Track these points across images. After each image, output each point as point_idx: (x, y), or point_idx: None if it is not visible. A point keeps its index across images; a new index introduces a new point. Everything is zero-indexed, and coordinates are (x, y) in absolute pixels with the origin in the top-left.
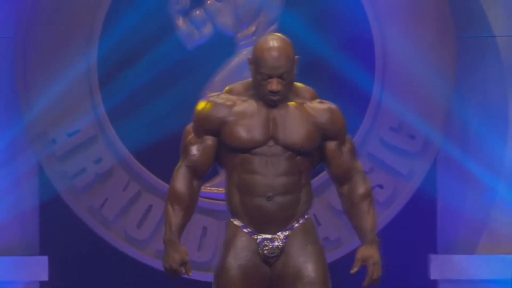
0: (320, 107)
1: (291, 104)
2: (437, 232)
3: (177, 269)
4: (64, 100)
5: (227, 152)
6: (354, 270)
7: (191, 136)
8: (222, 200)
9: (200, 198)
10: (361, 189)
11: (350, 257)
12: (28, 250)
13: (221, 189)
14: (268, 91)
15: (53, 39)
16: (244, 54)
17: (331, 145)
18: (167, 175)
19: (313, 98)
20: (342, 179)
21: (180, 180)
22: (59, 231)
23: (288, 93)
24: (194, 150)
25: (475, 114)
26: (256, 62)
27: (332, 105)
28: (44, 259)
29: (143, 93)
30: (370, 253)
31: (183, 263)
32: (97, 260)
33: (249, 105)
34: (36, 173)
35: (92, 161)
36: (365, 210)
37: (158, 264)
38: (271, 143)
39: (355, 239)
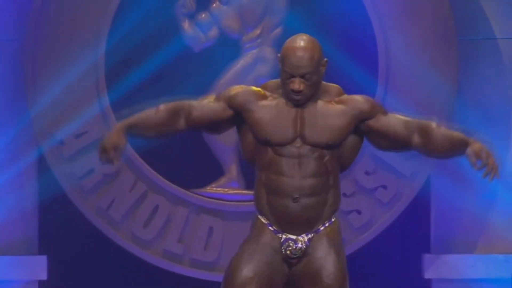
0: (348, 98)
1: (320, 102)
2: (431, 231)
3: (108, 149)
4: (71, 102)
5: (257, 148)
6: (476, 166)
7: (211, 95)
8: (228, 201)
9: (206, 199)
10: (431, 125)
11: (354, 257)
12: (27, 250)
13: (226, 189)
14: (290, 89)
15: (61, 39)
16: (249, 57)
17: (374, 121)
18: (173, 176)
19: (339, 95)
20: (408, 137)
21: (171, 105)
22: (58, 231)
23: (313, 94)
24: (203, 102)
25: (475, 115)
26: (282, 60)
27: (359, 95)
28: (43, 258)
29: (150, 94)
30: (478, 146)
31: (116, 148)
32: (102, 259)
33: (278, 102)
34: (36, 174)
35: (99, 162)
36: (447, 130)
37: (164, 264)
38: (298, 143)
39: (358, 239)
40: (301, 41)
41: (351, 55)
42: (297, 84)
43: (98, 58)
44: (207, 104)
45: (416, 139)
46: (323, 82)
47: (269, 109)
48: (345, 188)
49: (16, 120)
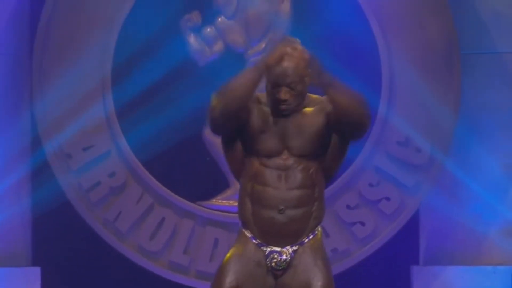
0: (323, 100)
1: (304, 113)
2: (419, 244)
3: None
4: (79, 116)
5: (245, 161)
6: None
7: None
8: (233, 213)
9: (211, 211)
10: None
11: (358, 268)
12: (21, 261)
13: (231, 201)
14: (276, 99)
15: (68, 52)
16: None
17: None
18: (179, 188)
19: (325, 101)
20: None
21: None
22: (52, 243)
23: (298, 104)
24: None
25: (477, 128)
26: (268, 70)
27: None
28: (37, 270)
29: (156, 107)
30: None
31: None
32: (108, 270)
33: (266, 114)
34: (30, 185)
35: (106, 175)
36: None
37: (170, 275)
38: (285, 155)
39: (362, 250)
40: (287, 50)
41: (354, 68)
42: (283, 93)
43: (105, 72)
44: None
45: None
46: (310, 94)
47: (259, 118)
48: (349, 200)
49: (10, 132)
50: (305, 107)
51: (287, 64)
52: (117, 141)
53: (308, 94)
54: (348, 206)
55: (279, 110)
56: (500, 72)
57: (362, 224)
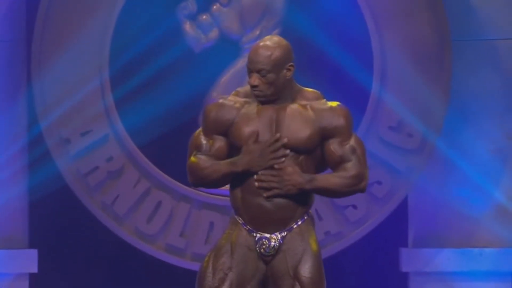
0: (321, 107)
1: (294, 105)
2: (408, 226)
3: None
4: (77, 101)
5: (235, 151)
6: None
7: (201, 138)
8: (228, 196)
9: (207, 194)
10: (351, 171)
11: (350, 250)
12: (18, 244)
13: (227, 185)
14: (249, 84)
15: (67, 40)
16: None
17: (330, 142)
18: (175, 172)
19: (318, 99)
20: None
21: (204, 159)
22: (49, 225)
23: (274, 94)
24: (208, 149)
25: (467, 114)
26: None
27: (335, 105)
28: (34, 252)
29: (153, 93)
30: (293, 171)
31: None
32: (105, 253)
33: (254, 107)
34: (27, 170)
35: (104, 160)
36: (339, 176)
37: (166, 257)
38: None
39: (355, 232)
40: (266, 40)
41: (347, 54)
42: (252, 79)
43: (103, 58)
44: (210, 150)
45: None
46: (302, 87)
47: (247, 117)
48: None
49: (6, 116)
50: (297, 99)
51: (260, 51)
52: (114, 126)
53: (302, 88)
54: None
55: (256, 97)
56: (490, 59)
57: (354, 207)
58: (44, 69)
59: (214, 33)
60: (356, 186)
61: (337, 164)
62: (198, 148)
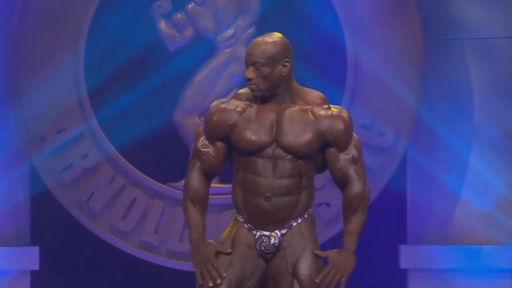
0: (322, 114)
1: (295, 108)
2: (407, 224)
3: (212, 263)
4: (53, 99)
5: (236, 152)
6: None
7: (202, 139)
8: (220, 195)
9: (181, 192)
10: (354, 190)
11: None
12: (20, 241)
13: (218, 184)
14: (244, 77)
15: (42, 39)
16: (222, 56)
17: (331, 151)
18: (150, 170)
19: (321, 103)
20: (341, 184)
21: (197, 181)
22: (49, 223)
23: (269, 89)
24: (207, 154)
25: (441, 114)
26: None
27: (337, 111)
28: (35, 249)
29: (128, 91)
30: (338, 258)
31: (216, 253)
32: (84, 250)
33: (255, 110)
34: (27, 167)
35: (79, 157)
36: (353, 211)
37: (141, 254)
38: (274, 145)
39: (328, 230)
40: (265, 35)
41: (320, 54)
42: (247, 72)
43: (78, 57)
44: (210, 154)
45: (344, 191)
46: (305, 88)
47: (249, 120)
48: (315, 182)
49: (4, 115)
50: (298, 101)
51: (257, 45)
52: (89, 124)
53: (304, 89)
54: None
55: (251, 91)
56: (462, 58)
57: (328, 205)
58: (23, 69)
59: (189, 32)
60: (367, 200)
61: (337, 175)
62: (198, 153)
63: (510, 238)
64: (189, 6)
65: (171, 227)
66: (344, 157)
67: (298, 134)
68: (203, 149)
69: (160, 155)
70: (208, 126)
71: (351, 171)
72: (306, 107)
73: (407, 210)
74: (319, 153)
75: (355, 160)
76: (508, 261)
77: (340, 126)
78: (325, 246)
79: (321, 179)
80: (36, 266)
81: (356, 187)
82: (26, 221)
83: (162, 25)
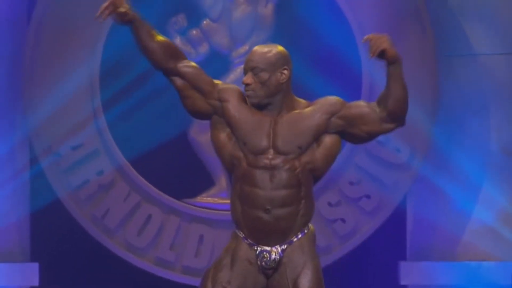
0: (315, 101)
1: (290, 113)
2: (406, 240)
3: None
4: (68, 115)
5: (232, 153)
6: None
7: (208, 77)
8: (217, 210)
9: (196, 208)
10: (379, 96)
11: (338, 264)
12: (20, 257)
13: (216, 199)
14: (243, 83)
15: (56, 54)
16: (237, 71)
17: (346, 111)
18: (165, 186)
19: (307, 106)
20: (376, 111)
21: (173, 45)
22: (50, 238)
23: (266, 96)
24: (200, 70)
25: (453, 128)
26: None
27: (321, 98)
28: (35, 265)
29: (143, 108)
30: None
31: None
32: (96, 266)
33: (254, 114)
34: (28, 183)
35: (94, 173)
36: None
37: (157, 271)
38: (271, 154)
39: (343, 246)
40: (264, 45)
41: (335, 69)
42: (245, 77)
43: (93, 72)
44: (201, 73)
45: (380, 107)
46: (303, 100)
47: (246, 111)
48: (330, 198)
49: (8, 130)
50: (291, 108)
51: (255, 51)
52: (105, 141)
53: (296, 98)
54: (329, 204)
55: (248, 98)
56: (478, 74)
57: (343, 221)
58: (37, 84)
59: (204, 48)
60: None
61: (373, 108)
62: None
63: (510, 254)
64: (204, 22)
65: (187, 243)
66: (354, 104)
67: (296, 130)
68: (195, 65)
69: (175, 171)
70: (220, 84)
71: (373, 105)
72: (297, 111)
73: (407, 226)
74: (318, 154)
75: (360, 104)
76: (508, 278)
77: (331, 98)
78: (341, 262)
79: (336, 195)
80: (36, 282)
81: (382, 95)
82: (26, 237)
83: (178, 41)
